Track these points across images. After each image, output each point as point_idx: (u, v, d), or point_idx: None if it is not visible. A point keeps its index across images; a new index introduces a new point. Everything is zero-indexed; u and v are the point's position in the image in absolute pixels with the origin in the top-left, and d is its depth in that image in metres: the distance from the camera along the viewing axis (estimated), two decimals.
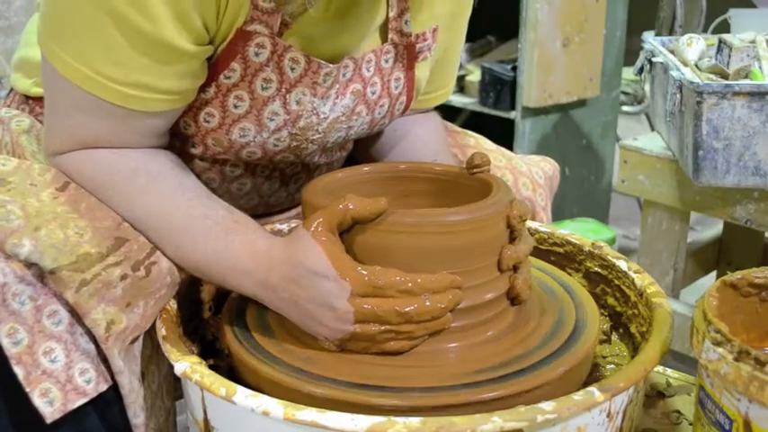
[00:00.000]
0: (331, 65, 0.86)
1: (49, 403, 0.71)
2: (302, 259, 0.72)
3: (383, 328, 0.71)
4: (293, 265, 0.73)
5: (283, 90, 0.85)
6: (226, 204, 0.82)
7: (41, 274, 0.73)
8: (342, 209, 0.73)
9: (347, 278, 0.71)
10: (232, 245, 0.77)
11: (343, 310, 0.71)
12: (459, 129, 1.21)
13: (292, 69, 0.84)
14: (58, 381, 0.72)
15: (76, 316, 0.74)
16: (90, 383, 0.73)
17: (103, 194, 0.80)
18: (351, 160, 1.09)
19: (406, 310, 0.71)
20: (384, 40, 0.93)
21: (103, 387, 0.74)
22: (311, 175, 1.02)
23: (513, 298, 0.79)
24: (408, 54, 0.95)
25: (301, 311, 0.74)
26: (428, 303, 0.71)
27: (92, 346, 0.75)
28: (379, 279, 0.71)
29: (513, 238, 0.79)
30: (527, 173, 1.13)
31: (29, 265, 0.72)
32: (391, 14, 0.91)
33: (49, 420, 0.71)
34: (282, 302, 0.75)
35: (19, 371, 0.70)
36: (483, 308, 0.76)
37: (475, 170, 0.84)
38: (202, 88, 0.83)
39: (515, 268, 0.79)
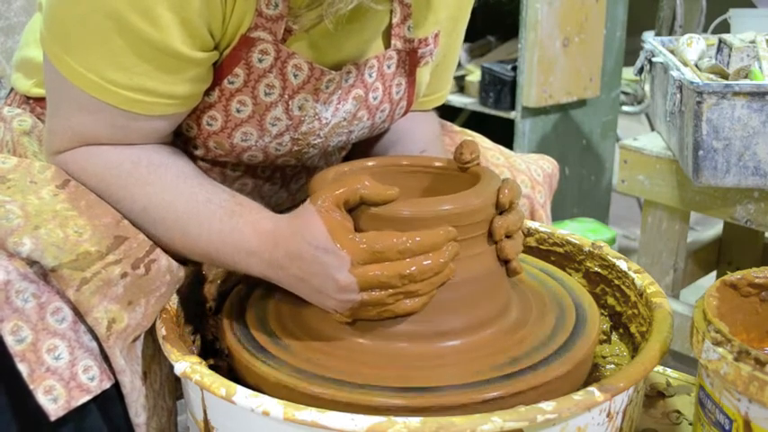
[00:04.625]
0: (334, 71, 0.86)
1: (53, 400, 0.71)
2: (304, 233, 0.73)
3: (390, 292, 0.72)
4: (296, 240, 0.74)
5: (286, 96, 0.85)
6: (228, 189, 0.82)
7: (44, 272, 0.73)
8: (352, 186, 0.73)
9: (346, 249, 0.71)
10: (237, 226, 0.78)
11: (346, 280, 0.71)
12: (458, 128, 1.21)
13: (295, 76, 0.84)
14: (61, 378, 0.72)
15: (80, 313, 0.74)
16: (93, 381, 0.74)
17: (106, 189, 0.80)
18: (347, 160, 1.09)
19: (408, 271, 0.71)
20: (387, 45, 0.93)
21: (107, 384, 0.75)
22: (312, 174, 1.02)
23: (506, 263, 0.80)
24: (410, 59, 0.95)
25: (309, 287, 0.74)
26: (428, 261, 0.72)
27: (95, 344, 0.75)
28: (377, 244, 0.71)
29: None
30: (526, 171, 1.13)
31: (31, 263, 0.72)
32: (394, 20, 0.91)
33: (53, 417, 0.71)
34: (290, 279, 0.76)
35: (23, 368, 0.70)
36: (477, 283, 0.77)
37: (467, 165, 0.84)
38: (206, 92, 0.83)
39: (508, 237, 0.79)
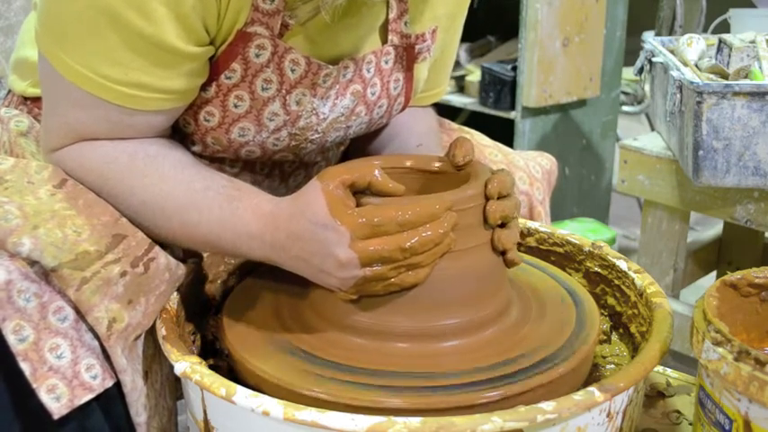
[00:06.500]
0: (331, 66, 0.86)
1: (56, 399, 0.71)
2: (304, 210, 0.73)
3: (392, 265, 0.72)
4: (296, 219, 0.74)
5: (283, 91, 0.85)
6: (225, 175, 0.82)
7: (45, 272, 0.73)
8: (363, 171, 0.73)
9: (345, 224, 0.71)
10: (237, 211, 0.78)
11: (347, 257, 0.71)
12: (456, 126, 1.21)
13: (292, 71, 0.84)
14: (64, 377, 0.72)
15: (81, 312, 0.74)
16: (96, 379, 0.74)
17: (104, 184, 0.80)
18: (345, 157, 1.10)
19: (409, 244, 0.71)
20: (384, 41, 0.93)
21: (109, 383, 0.75)
22: (309, 171, 1.03)
23: (503, 254, 0.79)
24: (408, 55, 0.95)
25: (311, 266, 0.74)
26: (429, 233, 0.72)
27: (96, 343, 0.75)
28: (376, 217, 0.71)
29: None
30: (524, 167, 1.14)
31: (32, 263, 0.72)
32: (391, 16, 0.92)
33: (56, 416, 0.71)
34: (293, 261, 0.76)
35: (25, 367, 0.70)
36: (476, 277, 0.77)
37: (461, 168, 0.83)
38: (203, 87, 0.83)
39: (504, 227, 0.79)
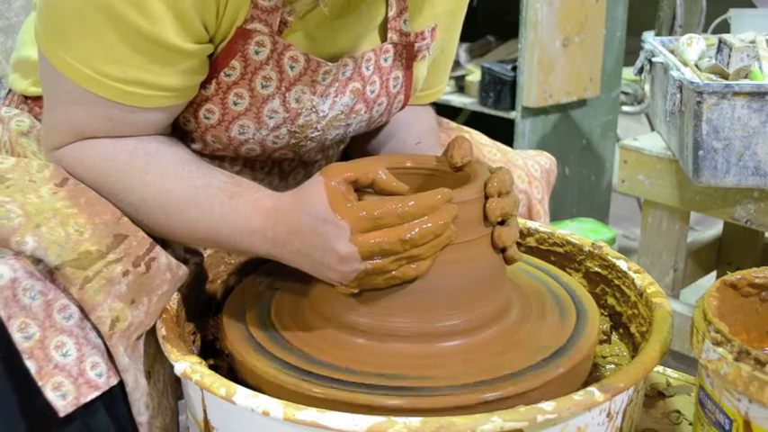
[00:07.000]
0: (330, 63, 0.86)
1: (62, 397, 0.71)
2: (305, 205, 0.73)
3: (392, 258, 0.72)
4: (297, 214, 0.74)
5: (283, 88, 0.85)
6: (226, 172, 0.83)
7: (50, 270, 0.73)
8: (366, 169, 0.73)
9: (345, 218, 0.71)
10: (237, 207, 0.78)
11: (347, 251, 0.71)
12: (455, 125, 1.21)
13: (292, 68, 0.84)
14: (70, 374, 0.72)
15: (85, 311, 0.74)
16: (101, 377, 0.74)
17: (105, 183, 0.80)
18: (344, 156, 1.10)
19: (409, 236, 0.71)
20: (383, 39, 0.93)
21: (114, 381, 0.75)
22: (309, 169, 1.03)
23: (503, 251, 0.79)
24: (407, 53, 0.95)
25: (311, 261, 0.74)
26: (429, 225, 0.71)
27: (101, 341, 0.75)
28: (376, 210, 0.71)
29: None
30: (522, 166, 1.14)
31: (36, 261, 0.72)
32: (390, 14, 0.92)
33: (62, 414, 0.71)
34: (293, 255, 0.76)
35: (31, 365, 0.70)
36: (476, 277, 0.77)
37: (459, 169, 0.83)
38: (203, 85, 0.83)
39: (503, 224, 0.79)
